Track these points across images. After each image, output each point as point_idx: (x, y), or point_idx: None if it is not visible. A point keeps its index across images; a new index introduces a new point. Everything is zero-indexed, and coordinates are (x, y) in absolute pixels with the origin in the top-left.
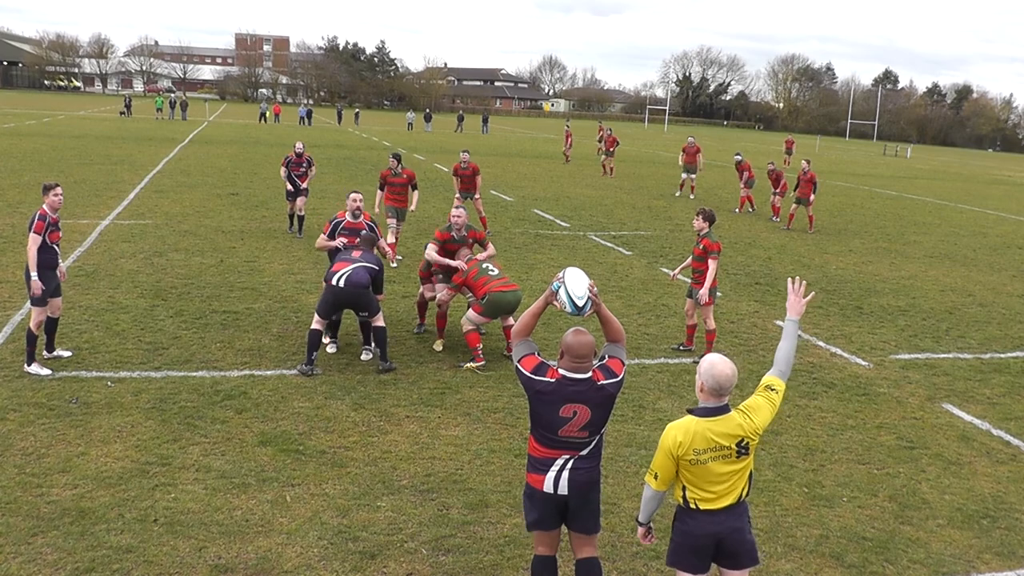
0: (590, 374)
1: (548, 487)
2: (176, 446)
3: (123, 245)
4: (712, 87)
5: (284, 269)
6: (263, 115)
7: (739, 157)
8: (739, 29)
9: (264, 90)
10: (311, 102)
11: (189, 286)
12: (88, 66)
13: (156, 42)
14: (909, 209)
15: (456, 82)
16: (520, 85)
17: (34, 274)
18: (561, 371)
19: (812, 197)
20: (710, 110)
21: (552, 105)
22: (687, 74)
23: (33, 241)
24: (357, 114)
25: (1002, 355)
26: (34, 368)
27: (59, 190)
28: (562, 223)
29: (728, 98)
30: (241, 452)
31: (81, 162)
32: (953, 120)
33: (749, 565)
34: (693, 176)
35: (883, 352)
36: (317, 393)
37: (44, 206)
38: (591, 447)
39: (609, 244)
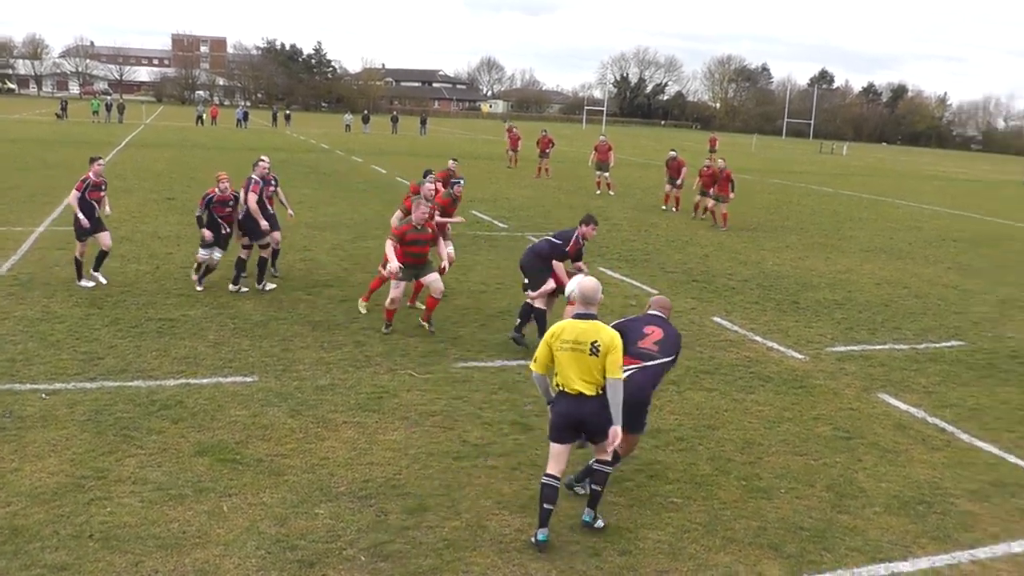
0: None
1: None
2: (112, 459)
3: (58, 253)
4: (649, 88)
5: (220, 275)
6: (200, 117)
7: (673, 153)
8: (675, 29)
9: (201, 92)
10: (248, 104)
11: (125, 294)
12: (22, 67)
13: (92, 43)
14: (845, 205)
15: (394, 83)
16: (458, 86)
17: None
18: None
19: (731, 195)
20: (648, 110)
21: (490, 106)
22: (624, 75)
23: None
24: (288, 116)
25: (937, 345)
26: None
27: None
28: (500, 224)
29: (666, 98)
30: (178, 463)
31: (16, 167)
32: (889, 118)
33: (602, 440)
34: (607, 174)
35: (819, 345)
36: (254, 401)
37: None
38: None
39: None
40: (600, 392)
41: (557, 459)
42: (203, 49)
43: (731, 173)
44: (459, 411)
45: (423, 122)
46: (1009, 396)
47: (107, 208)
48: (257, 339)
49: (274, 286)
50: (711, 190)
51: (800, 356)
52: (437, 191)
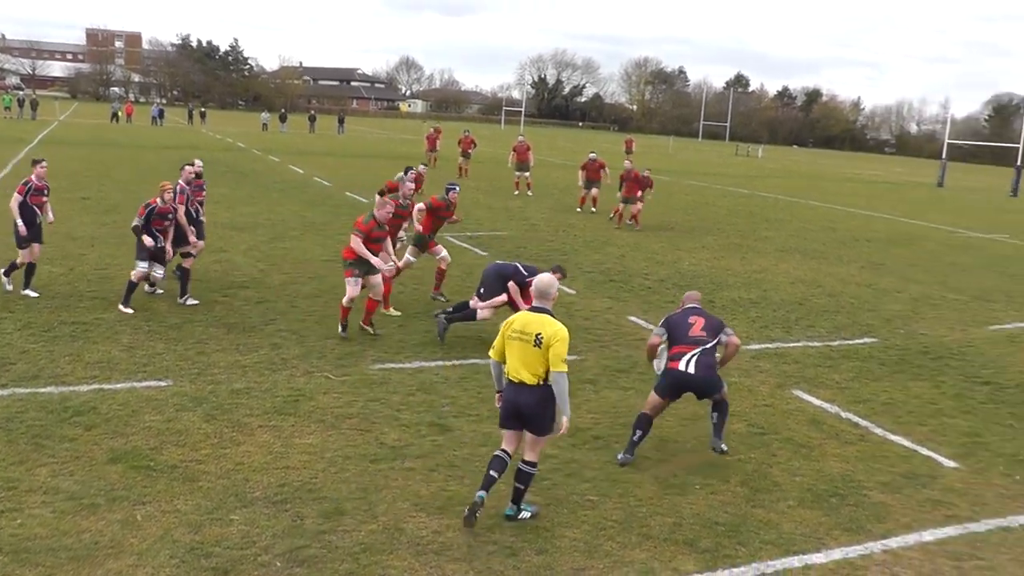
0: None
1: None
2: (23, 468)
3: None
4: (567, 89)
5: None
6: (115, 115)
7: (593, 156)
8: (592, 31)
9: (116, 88)
10: (164, 101)
11: (37, 296)
12: None
13: (3, 36)
14: (761, 206)
15: (312, 82)
16: (377, 85)
17: None
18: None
19: (641, 195)
20: (566, 112)
21: (409, 106)
22: (543, 76)
23: None
24: (203, 114)
25: (850, 342)
26: None
27: None
28: (418, 225)
29: (583, 100)
30: (90, 471)
31: None
32: (803, 122)
33: (536, 432)
34: (527, 174)
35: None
36: (168, 405)
37: None
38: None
39: (465, 245)
40: (541, 384)
41: (508, 441)
42: (118, 44)
43: (639, 175)
44: (376, 413)
45: (341, 121)
46: (921, 391)
47: (49, 215)
48: (172, 342)
49: (196, 302)
50: (620, 192)
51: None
52: (413, 191)
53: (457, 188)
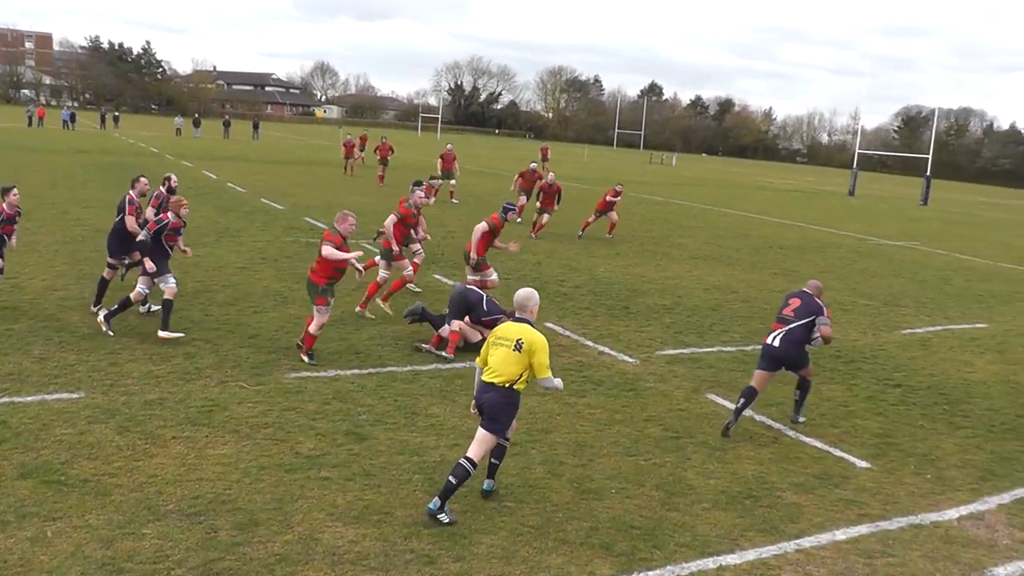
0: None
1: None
2: None
3: None
4: (483, 96)
5: (46, 286)
6: (31, 118)
7: (533, 166)
8: (508, 38)
9: (27, 91)
10: (75, 104)
11: None
12: None
13: None
14: (675, 214)
15: (226, 86)
16: (292, 91)
17: None
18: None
19: (555, 207)
20: (482, 119)
21: (325, 111)
22: (459, 83)
23: None
24: (116, 117)
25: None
26: None
27: None
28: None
29: (499, 107)
30: None
31: None
32: (716, 131)
33: (487, 428)
34: (452, 182)
35: (650, 349)
36: (80, 418)
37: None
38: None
39: (376, 250)
40: (507, 386)
41: (476, 444)
42: (28, 45)
43: (560, 187)
44: (292, 422)
45: (256, 127)
46: (833, 394)
47: (13, 240)
48: (84, 353)
49: (146, 308)
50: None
51: (631, 360)
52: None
53: (515, 208)
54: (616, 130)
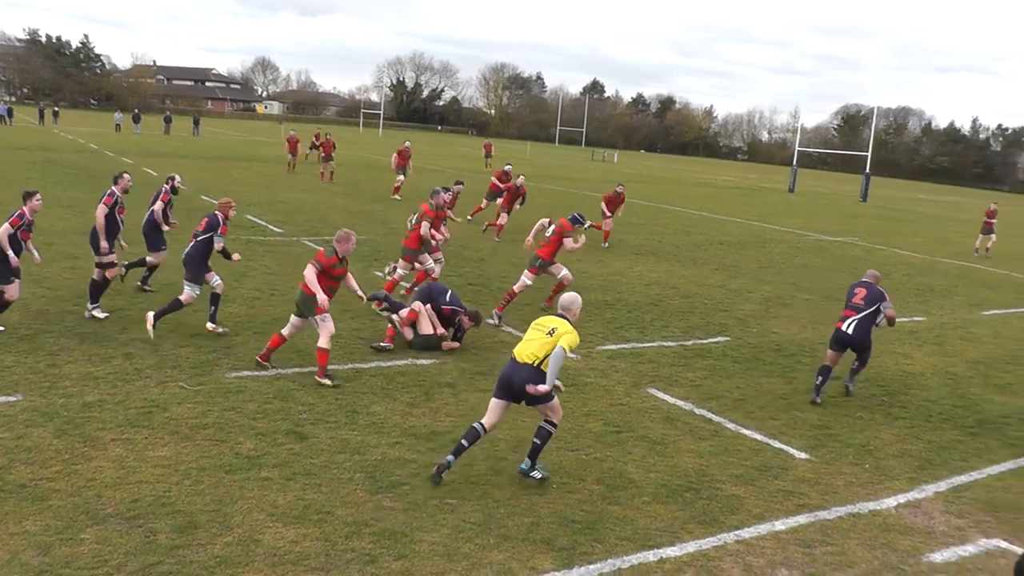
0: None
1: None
2: None
3: None
4: (426, 92)
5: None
6: None
7: (508, 167)
8: (450, 34)
9: None
10: (13, 99)
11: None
12: None
13: None
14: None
15: (166, 81)
16: (232, 86)
17: None
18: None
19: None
20: (424, 115)
21: (266, 107)
22: (401, 79)
23: None
24: (56, 113)
25: (704, 341)
26: None
27: None
28: (275, 228)
29: (442, 104)
30: None
31: None
32: (658, 128)
33: (532, 404)
34: (401, 178)
35: (591, 344)
36: (17, 421)
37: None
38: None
39: (321, 248)
40: (535, 365)
41: (492, 411)
42: None
43: (526, 191)
44: (232, 423)
45: (196, 123)
46: (772, 386)
47: (34, 251)
48: (22, 354)
49: (107, 315)
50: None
51: (572, 355)
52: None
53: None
54: (558, 127)
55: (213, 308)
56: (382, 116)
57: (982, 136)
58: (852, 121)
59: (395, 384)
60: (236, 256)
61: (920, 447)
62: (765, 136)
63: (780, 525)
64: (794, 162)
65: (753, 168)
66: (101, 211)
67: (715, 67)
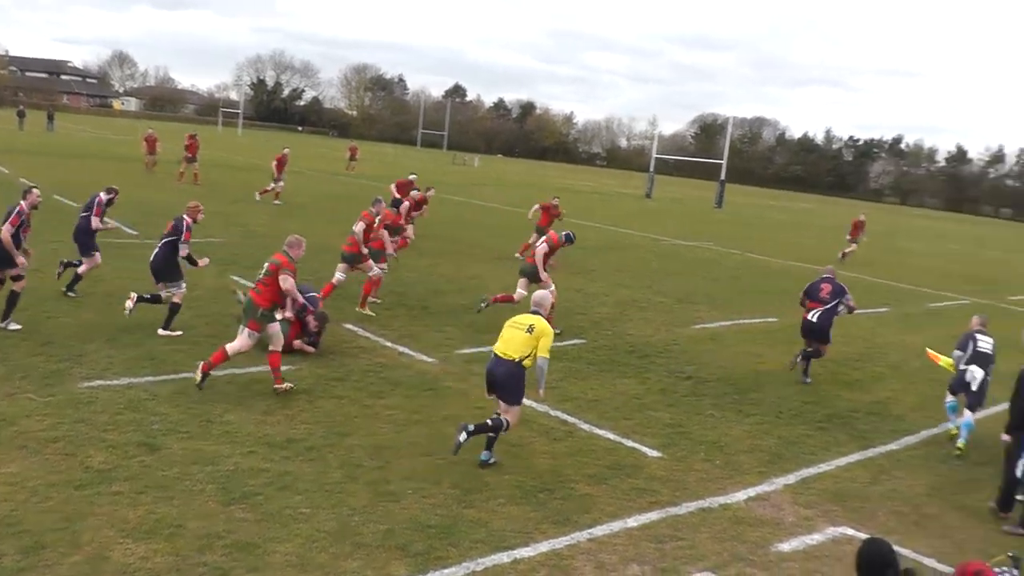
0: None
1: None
2: None
3: None
4: (287, 92)
5: None
6: None
7: (413, 176)
8: (312, 33)
9: None
10: None
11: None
12: None
13: None
14: (477, 214)
15: (19, 73)
16: (89, 80)
17: None
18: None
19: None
20: (285, 115)
21: (123, 104)
22: (261, 78)
23: None
24: None
25: (560, 344)
26: None
27: None
28: (130, 230)
29: (303, 103)
30: None
31: None
32: (519, 133)
33: (502, 398)
34: (274, 184)
35: (449, 348)
36: None
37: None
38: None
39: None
40: (516, 360)
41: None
42: None
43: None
44: (82, 435)
45: (50, 117)
46: (626, 387)
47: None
48: None
49: (19, 327)
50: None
51: (430, 360)
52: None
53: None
54: (420, 130)
55: (150, 301)
56: (241, 115)
57: (835, 146)
58: (709, 130)
59: (250, 392)
60: (203, 261)
61: (770, 442)
62: (624, 143)
63: (632, 522)
64: (651, 168)
65: (611, 174)
66: (7, 231)
67: (576, 73)
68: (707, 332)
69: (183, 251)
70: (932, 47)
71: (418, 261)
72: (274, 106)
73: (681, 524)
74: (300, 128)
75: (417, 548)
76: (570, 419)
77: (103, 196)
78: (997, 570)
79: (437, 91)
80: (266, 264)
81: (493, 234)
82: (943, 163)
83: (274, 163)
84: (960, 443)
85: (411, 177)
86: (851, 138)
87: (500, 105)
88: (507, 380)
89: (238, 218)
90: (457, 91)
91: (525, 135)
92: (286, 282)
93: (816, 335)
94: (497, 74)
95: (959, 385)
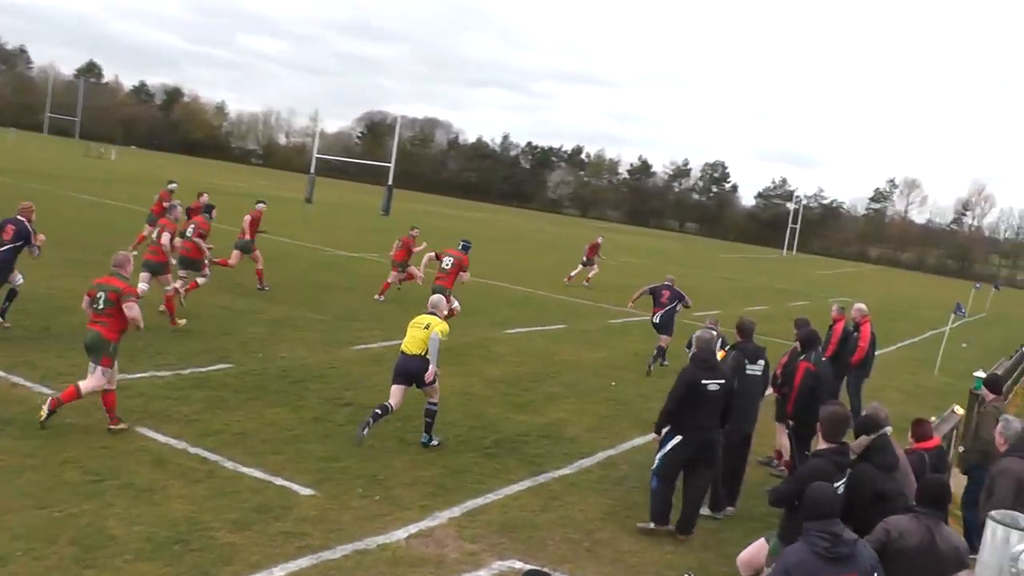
0: None
1: None
2: None
3: None
4: None
5: None
6: None
7: (173, 186)
8: None
9: None
10: None
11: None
12: None
13: None
14: (111, 216)
15: None
16: None
17: None
18: None
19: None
20: None
21: None
22: None
23: None
24: None
25: (203, 369)
26: None
27: None
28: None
29: None
30: None
31: None
32: (164, 122)
33: (419, 386)
34: None
35: (73, 377)
36: None
37: None
38: None
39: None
40: (423, 355)
41: (394, 395)
42: None
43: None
44: None
45: None
46: (276, 417)
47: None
48: None
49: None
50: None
51: (49, 392)
52: None
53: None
54: (47, 114)
55: (7, 303)
56: None
57: (512, 153)
58: (376, 129)
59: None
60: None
61: (434, 473)
62: (283, 139)
63: (279, 571)
64: (312, 170)
65: (267, 174)
66: None
67: (230, 57)
68: (369, 353)
69: (34, 253)
70: (618, 57)
71: (38, 273)
72: None
73: (334, 570)
74: None
75: None
76: (211, 456)
77: None
78: None
79: (68, 68)
80: (101, 294)
81: (130, 240)
82: (626, 175)
83: None
84: None
85: (171, 187)
86: (529, 144)
87: (142, 89)
88: (419, 372)
89: None
90: (92, 69)
91: (171, 125)
92: (132, 310)
93: (659, 331)
94: (139, 53)
95: None
